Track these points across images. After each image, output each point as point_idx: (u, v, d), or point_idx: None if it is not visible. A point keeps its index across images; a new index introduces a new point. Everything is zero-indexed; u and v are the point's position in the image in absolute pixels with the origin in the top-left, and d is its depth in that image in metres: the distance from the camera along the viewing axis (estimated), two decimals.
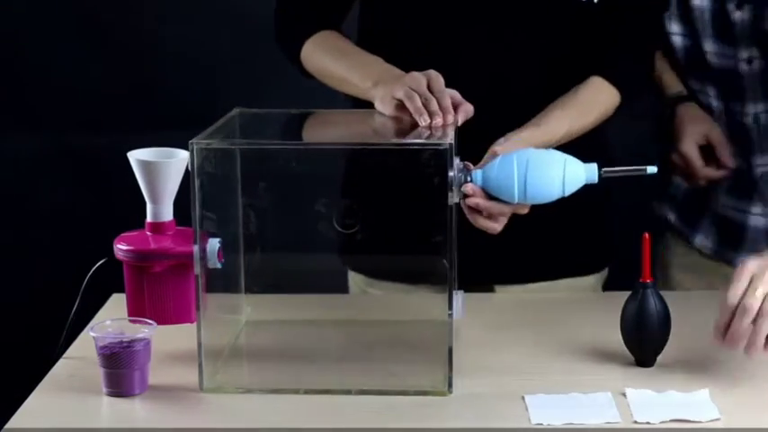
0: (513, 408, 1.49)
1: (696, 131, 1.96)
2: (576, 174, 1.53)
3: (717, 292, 1.87)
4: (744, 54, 1.89)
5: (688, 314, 1.82)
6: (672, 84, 2.02)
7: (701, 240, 2.00)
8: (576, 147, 1.71)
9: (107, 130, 2.95)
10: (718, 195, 1.99)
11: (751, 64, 1.88)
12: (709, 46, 1.93)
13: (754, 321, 1.47)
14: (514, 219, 1.63)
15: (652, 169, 1.55)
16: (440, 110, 1.60)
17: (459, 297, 1.55)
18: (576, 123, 1.76)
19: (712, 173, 1.96)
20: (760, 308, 1.47)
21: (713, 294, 1.87)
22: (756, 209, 1.96)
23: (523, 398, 1.49)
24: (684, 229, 2.04)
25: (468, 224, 1.61)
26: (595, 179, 1.54)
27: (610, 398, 1.50)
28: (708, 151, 1.97)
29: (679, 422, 1.45)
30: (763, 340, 1.48)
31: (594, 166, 1.54)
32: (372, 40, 1.89)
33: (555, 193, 1.53)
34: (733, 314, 1.49)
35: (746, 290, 1.48)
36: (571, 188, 1.53)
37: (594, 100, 1.80)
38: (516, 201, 1.55)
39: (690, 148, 1.96)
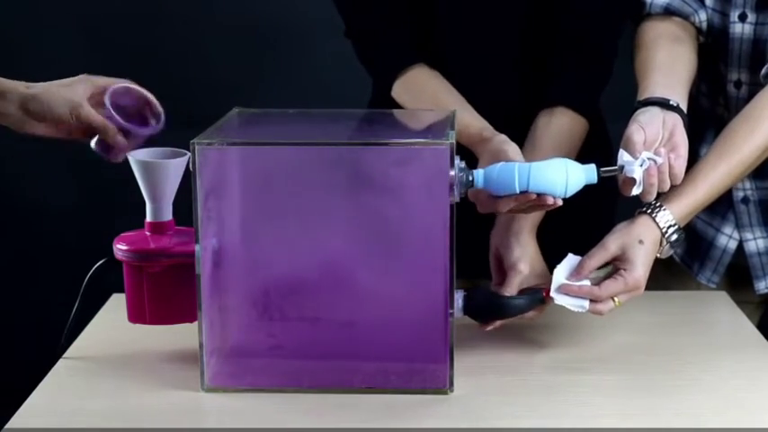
0: (513, 407, 1.49)
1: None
2: (578, 177, 1.53)
3: (722, 292, 1.88)
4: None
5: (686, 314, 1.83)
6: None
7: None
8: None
9: None
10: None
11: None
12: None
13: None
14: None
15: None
16: None
17: (459, 296, 1.56)
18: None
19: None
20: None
21: (716, 294, 1.88)
22: (727, 229, 1.89)
23: None
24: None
25: (471, 220, 1.61)
26: (595, 179, 1.54)
27: None
28: None
29: None
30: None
31: (593, 166, 1.54)
32: None
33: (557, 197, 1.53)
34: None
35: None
36: (572, 191, 1.53)
37: (571, 133, 1.79)
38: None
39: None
